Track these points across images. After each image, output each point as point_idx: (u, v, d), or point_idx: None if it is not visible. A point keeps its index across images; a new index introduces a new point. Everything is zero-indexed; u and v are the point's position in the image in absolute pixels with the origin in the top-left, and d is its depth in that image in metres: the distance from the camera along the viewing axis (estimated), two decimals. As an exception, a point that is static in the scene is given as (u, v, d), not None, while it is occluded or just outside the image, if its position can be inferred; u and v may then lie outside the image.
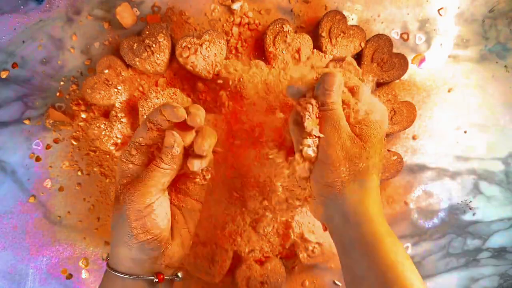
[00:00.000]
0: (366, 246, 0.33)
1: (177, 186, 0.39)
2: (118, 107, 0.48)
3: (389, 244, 0.33)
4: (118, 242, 0.34)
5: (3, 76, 0.49)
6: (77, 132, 0.51)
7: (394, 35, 0.51)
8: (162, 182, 0.34)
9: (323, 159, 0.35)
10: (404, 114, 0.49)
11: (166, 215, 0.35)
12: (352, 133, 0.35)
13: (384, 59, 0.49)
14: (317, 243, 0.49)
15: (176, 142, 0.34)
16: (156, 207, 0.34)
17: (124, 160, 0.35)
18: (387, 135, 0.51)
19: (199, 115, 0.34)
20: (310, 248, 0.49)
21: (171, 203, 0.37)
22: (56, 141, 0.51)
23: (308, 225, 0.49)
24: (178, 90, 0.47)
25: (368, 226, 0.34)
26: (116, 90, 0.48)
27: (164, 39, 0.47)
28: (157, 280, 0.35)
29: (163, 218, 0.35)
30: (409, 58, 0.51)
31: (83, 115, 0.50)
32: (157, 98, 0.46)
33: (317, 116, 0.35)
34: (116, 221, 0.35)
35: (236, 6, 0.49)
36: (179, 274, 0.38)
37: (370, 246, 0.33)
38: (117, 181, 0.35)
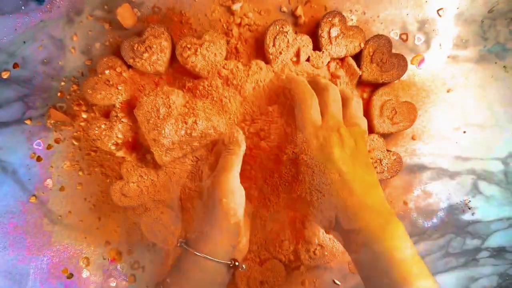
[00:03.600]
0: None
1: None
2: (118, 107, 0.48)
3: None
4: (207, 226, 0.39)
5: (4, 77, 0.50)
6: (78, 132, 0.51)
7: (394, 35, 0.51)
8: (238, 167, 0.41)
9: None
10: (405, 114, 0.49)
11: (242, 203, 0.41)
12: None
13: (384, 60, 0.49)
14: (319, 244, 0.49)
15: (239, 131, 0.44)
16: (237, 193, 0.40)
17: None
18: (388, 135, 0.52)
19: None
20: (312, 250, 0.49)
21: None
22: (57, 141, 0.51)
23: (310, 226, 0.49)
24: (173, 89, 0.47)
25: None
26: (116, 90, 0.48)
27: (164, 40, 0.47)
28: (233, 265, 0.40)
29: (242, 204, 0.40)
30: (409, 58, 0.51)
31: (84, 115, 0.50)
32: (150, 103, 0.46)
33: None
34: (205, 208, 0.41)
35: (236, 6, 0.49)
36: (244, 266, 0.42)
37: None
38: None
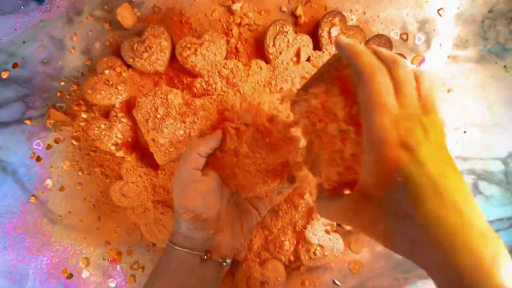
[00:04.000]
0: None
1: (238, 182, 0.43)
2: (118, 107, 0.48)
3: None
4: (176, 219, 0.40)
5: (4, 76, 0.49)
6: (78, 132, 0.51)
7: (394, 35, 0.51)
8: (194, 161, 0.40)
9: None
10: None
11: (211, 196, 0.40)
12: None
13: (384, 60, 0.49)
14: (319, 245, 0.49)
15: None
16: (197, 185, 0.39)
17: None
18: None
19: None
20: (312, 250, 0.49)
21: (231, 193, 0.44)
22: (56, 141, 0.51)
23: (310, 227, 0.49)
24: (172, 89, 0.47)
25: None
26: (116, 90, 0.48)
27: (164, 40, 0.47)
28: (205, 257, 0.40)
29: (206, 197, 0.40)
30: (409, 58, 0.51)
31: (84, 115, 0.50)
32: (148, 104, 0.46)
33: None
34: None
35: (236, 6, 0.49)
36: (228, 260, 0.42)
37: None
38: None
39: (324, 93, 0.30)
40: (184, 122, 0.45)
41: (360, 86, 0.26)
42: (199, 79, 0.48)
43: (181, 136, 0.45)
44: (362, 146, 0.26)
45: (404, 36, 0.52)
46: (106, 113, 0.50)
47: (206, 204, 0.40)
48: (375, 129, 0.25)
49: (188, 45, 0.46)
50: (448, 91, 0.53)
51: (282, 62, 0.48)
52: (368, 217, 0.27)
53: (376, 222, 0.26)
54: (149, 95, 0.46)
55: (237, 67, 0.47)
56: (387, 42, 0.49)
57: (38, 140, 0.51)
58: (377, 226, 0.26)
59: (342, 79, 0.30)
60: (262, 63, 0.48)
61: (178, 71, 0.50)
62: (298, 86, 0.43)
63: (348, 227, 0.51)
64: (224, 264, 0.42)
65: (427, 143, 0.26)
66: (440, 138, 0.27)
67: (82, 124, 0.50)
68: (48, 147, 0.51)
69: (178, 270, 0.39)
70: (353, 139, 0.28)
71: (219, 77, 0.48)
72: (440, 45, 0.52)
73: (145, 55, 0.47)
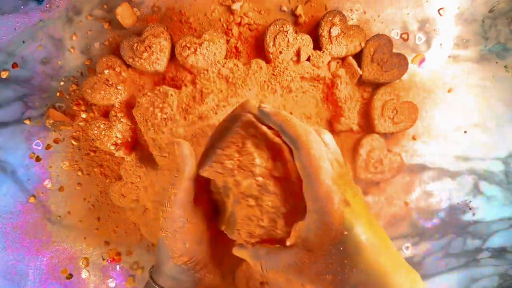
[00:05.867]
0: None
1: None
2: (117, 107, 0.48)
3: None
4: (162, 259, 0.34)
5: (3, 76, 0.49)
6: (77, 132, 0.51)
7: (394, 35, 0.51)
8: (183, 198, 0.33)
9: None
10: (406, 114, 0.49)
11: (200, 238, 0.34)
12: None
13: (384, 59, 0.49)
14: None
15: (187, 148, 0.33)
16: (189, 227, 0.33)
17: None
18: (389, 135, 0.51)
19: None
20: None
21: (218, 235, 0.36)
22: (56, 141, 0.51)
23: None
24: (171, 89, 0.47)
25: None
26: (116, 90, 0.48)
27: (164, 39, 0.47)
28: None
29: (196, 240, 0.34)
30: (409, 58, 0.51)
31: (83, 115, 0.50)
32: (148, 103, 0.46)
33: None
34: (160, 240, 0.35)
35: (236, 6, 0.49)
36: None
37: None
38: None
39: (237, 152, 0.30)
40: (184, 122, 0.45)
41: (299, 152, 0.28)
42: (199, 79, 0.48)
43: (181, 135, 0.45)
44: (282, 199, 0.30)
45: (405, 36, 0.52)
46: (106, 113, 0.50)
47: (202, 245, 0.35)
48: (321, 189, 0.27)
49: (188, 45, 0.46)
50: (449, 91, 0.53)
51: (282, 62, 0.48)
52: (314, 270, 0.28)
53: (323, 273, 0.28)
54: (149, 95, 0.46)
55: (237, 66, 0.47)
56: (388, 41, 0.48)
57: (38, 140, 0.51)
58: (325, 277, 0.28)
59: (251, 137, 0.31)
60: (262, 63, 0.47)
61: (178, 71, 0.49)
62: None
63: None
64: None
65: (356, 197, 0.29)
66: (356, 188, 0.30)
67: (81, 124, 0.50)
68: (48, 147, 0.51)
69: None
70: (272, 191, 0.30)
71: (218, 77, 0.47)
72: (441, 44, 0.52)
73: (145, 54, 0.47)
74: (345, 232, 0.27)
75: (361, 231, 0.27)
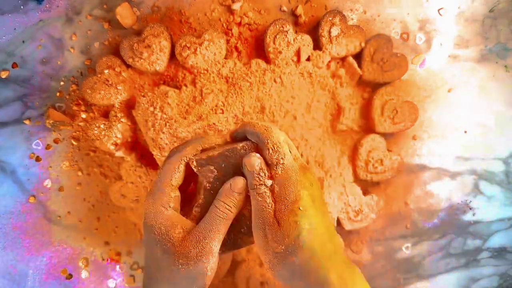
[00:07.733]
0: None
1: None
2: (117, 107, 0.48)
3: None
4: (161, 282, 0.33)
5: (3, 76, 0.49)
6: (77, 132, 0.51)
7: (394, 35, 0.51)
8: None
9: None
10: (406, 114, 0.49)
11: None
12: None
13: (384, 59, 0.49)
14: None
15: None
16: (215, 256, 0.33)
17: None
18: (389, 135, 0.51)
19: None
20: None
21: None
22: (56, 141, 0.51)
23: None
24: (171, 89, 0.47)
25: None
26: (116, 90, 0.48)
27: (164, 39, 0.47)
28: None
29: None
30: (409, 58, 0.51)
31: (83, 115, 0.50)
32: (148, 103, 0.46)
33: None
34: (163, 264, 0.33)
35: (236, 6, 0.49)
36: None
37: None
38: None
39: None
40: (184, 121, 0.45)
41: (262, 146, 0.33)
42: (198, 79, 0.48)
43: (181, 136, 0.45)
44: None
45: (405, 36, 0.51)
46: (106, 113, 0.50)
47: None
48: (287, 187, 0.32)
49: (188, 45, 0.46)
50: (449, 91, 0.52)
51: (282, 62, 0.48)
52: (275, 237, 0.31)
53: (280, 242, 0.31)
54: (149, 95, 0.46)
55: (237, 66, 0.47)
56: (388, 41, 0.48)
57: (38, 140, 0.51)
58: (278, 246, 0.31)
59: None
60: (262, 63, 0.47)
61: (178, 71, 0.49)
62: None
63: (348, 227, 0.51)
64: None
65: (313, 185, 0.32)
66: (318, 191, 0.33)
67: (81, 124, 0.50)
68: (48, 147, 0.51)
69: None
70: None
71: (218, 77, 0.47)
72: (441, 44, 0.52)
73: (145, 54, 0.47)
74: (300, 208, 0.31)
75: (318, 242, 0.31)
